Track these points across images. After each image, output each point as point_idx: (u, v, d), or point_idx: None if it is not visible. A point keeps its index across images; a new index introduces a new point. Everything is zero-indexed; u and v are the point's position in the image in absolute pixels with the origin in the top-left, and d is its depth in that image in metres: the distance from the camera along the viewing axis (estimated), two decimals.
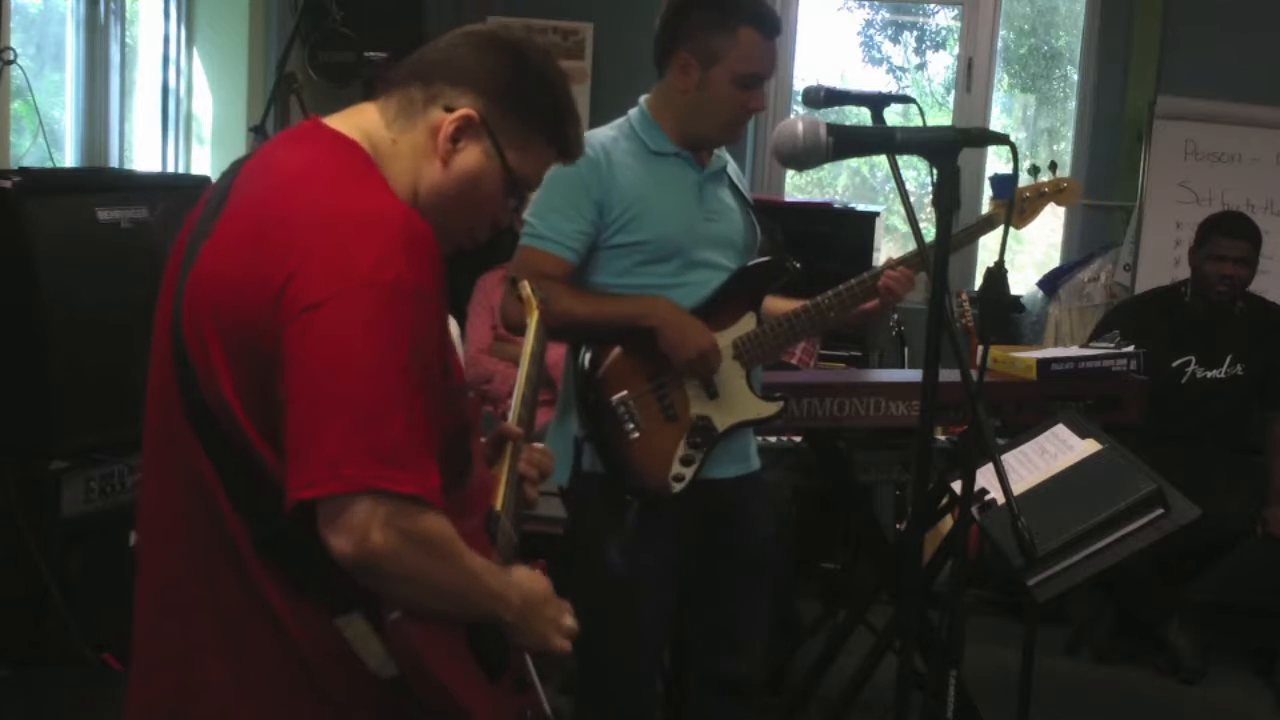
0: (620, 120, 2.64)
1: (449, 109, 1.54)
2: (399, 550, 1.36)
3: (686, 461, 2.55)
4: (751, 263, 2.69)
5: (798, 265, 2.67)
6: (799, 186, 5.86)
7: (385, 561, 1.36)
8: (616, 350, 2.55)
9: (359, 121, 1.56)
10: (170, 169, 4.59)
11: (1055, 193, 2.82)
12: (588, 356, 2.55)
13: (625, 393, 2.54)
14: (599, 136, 2.57)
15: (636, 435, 2.53)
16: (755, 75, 2.53)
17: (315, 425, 1.35)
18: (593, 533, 2.54)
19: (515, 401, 1.92)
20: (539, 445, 1.92)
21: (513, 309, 2.40)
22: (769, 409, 2.65)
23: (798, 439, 3.46)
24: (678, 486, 2.54)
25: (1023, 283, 5.37)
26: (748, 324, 2.64)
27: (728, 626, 2.76)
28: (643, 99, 2.65)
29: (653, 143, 2.59)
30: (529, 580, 1.60)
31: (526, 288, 2.16)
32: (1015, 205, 2.80)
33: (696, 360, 2.52)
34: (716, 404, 2.59)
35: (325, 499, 1.34)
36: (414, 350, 1.39)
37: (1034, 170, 2.84)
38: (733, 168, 2.75)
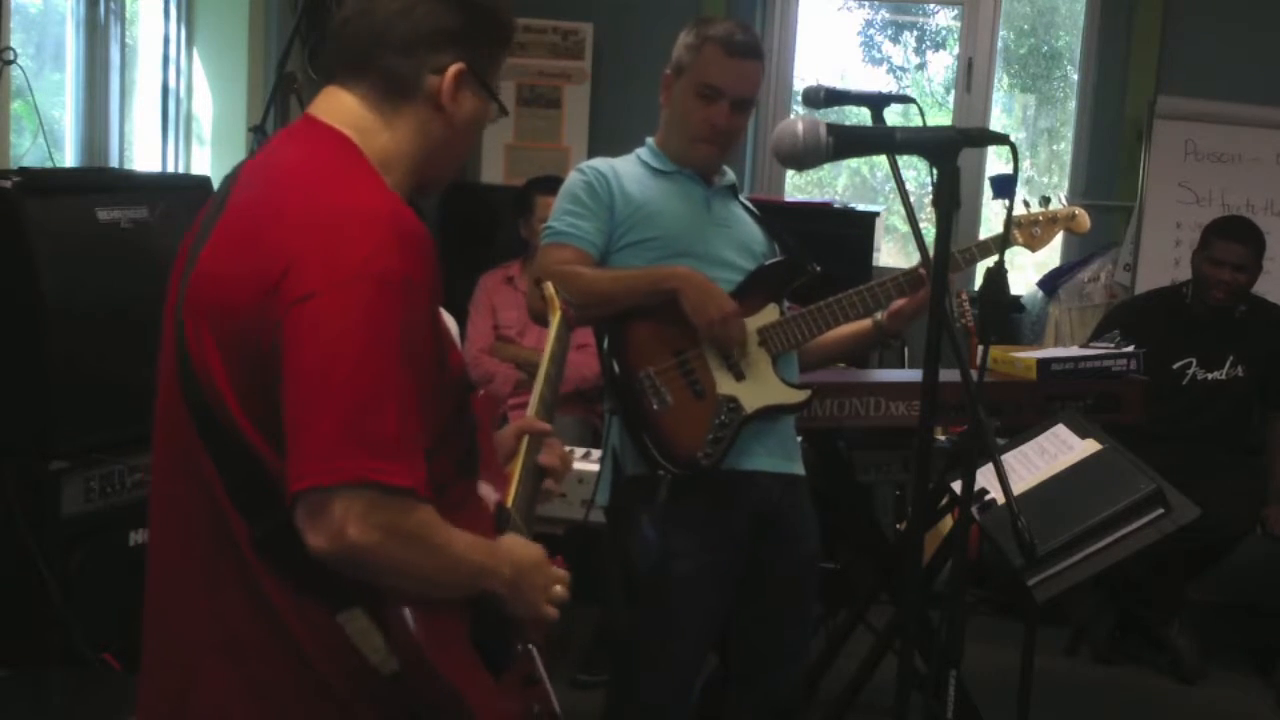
0: (627, 154, 2.77)
1: (438, 71, 1.57)
2: (377, 545, 1.37)
3: (716, 440, 2.56)
4: (770, 261, 2.74)
5: (818, 268, 2.72)
6: (799, 186, 5.86)
7: (364, 555, 1.37)
8: (638, 325, 2.59)
9: (341, 116, 1.57)
10: (170, 169, 4.59)
11: (1067, 220, 2.95)
12: (610, 333, 2.59)
13: (650, 367, 2.56)
14: (606, 160, 2.71)
15: (664, 408, 2.55)
16: (712, 87, 2.62)
17: (308, 418, 1.36)
18: (632, 531, 2.58)
19: (533, 400, 1.91)
20: (555, 441, 1.91)
21: (538, 302, 2.45)
22: (797, 396, 2.67)
23: (797, 439, 3.46)
24: (706, 462, 2.54)
25: (1023, 283, 5.37)
26: (770, 314, 2.68)
27: (769, 645, 2.77)
28: (649, 138, 2.78)
29: (657, 163, 2.71)
30: (519, 548, 1.60)
31: (550, 288, 2.16)
32: (1028, 230, 2.92)
33: (718, 322, 2.55)
34: (744, 386, 2.61)
35: (313, 491, 1.35)
36: (405, 342, 1.40)
37: (1045, 200, 2.99)
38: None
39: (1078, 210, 2.98)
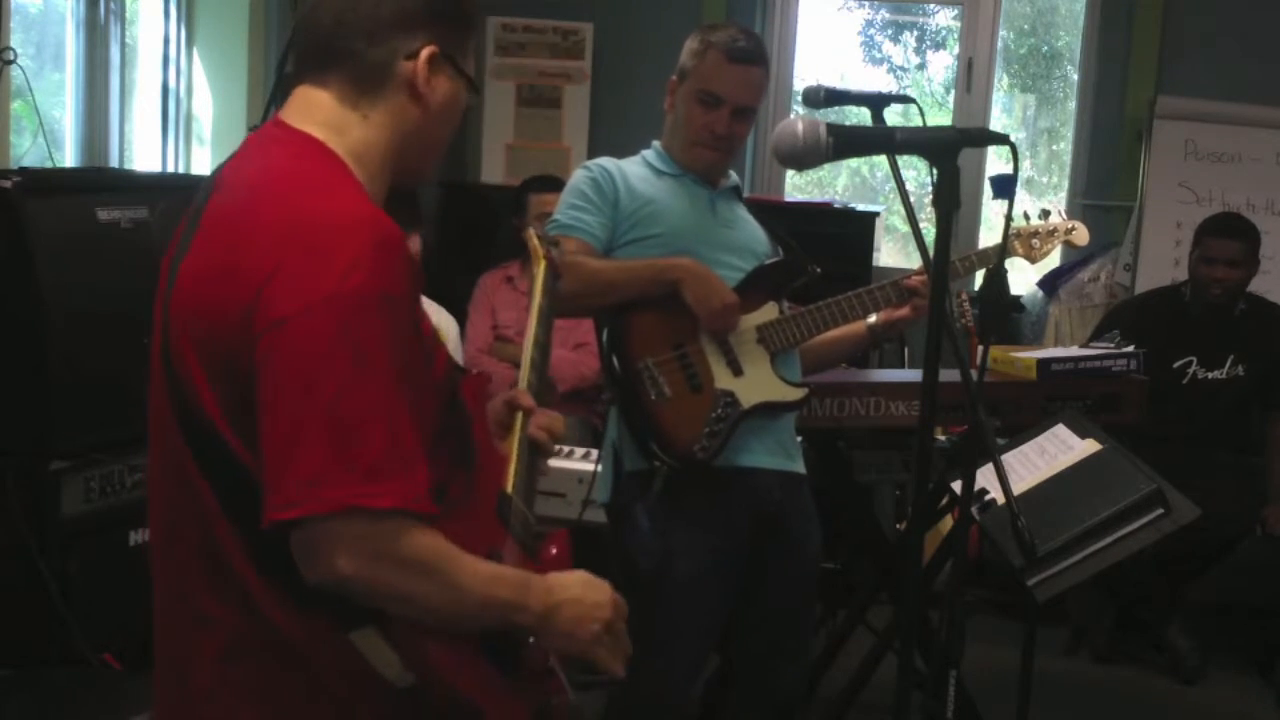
0: (632, 156, 2.79)
1: (410, 56, 1.53)
2: (370, 574, 1.34)
3: (712, 434, 2.56)
4: (769, 261, 2.75)
5: (818, 269, 2.72)
6: (799, 186, 5.86)
7: (356, 585, 1.35)
8: (638, 316, 2.60)
9: (316, 116, 1.53)
10: (170, 169, 4.60)
11: (1066, 233, 2.98)
12: (610, 324, 2.60)
13: (649, 358, 2.57)
14: (612, 160, 2.73)
15: (661, 399, 2.56)
16: (713, 93, 2.64)
17: (290, 444, 1.33)
18: (632, 528, 2.58)
19: (524, 365, 1.85)
20: (549, 411, 1.85)
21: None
22: (795, 393, 2.68)
23: (798, 439, 3.46)
24: (702, 455, 2.55)
25: (1023, 283, 5.37)
26: (770, 312, 2.69)
27: (770, 644, 2.77)
28: (655, 141, 2.80)
29: (662, 165, 2.73)
30: (563, 587, 1.51)
31: (533, 238, 2.09)
32: (1028, 241, 2.93)
33: (719, 311, 2.56)
34: (742, 381, 2.62)
35: (303, 520, 1.33)
36: (387, 357, 1.36)
37: (1044, 214, 2.99)
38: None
39: (1077, 224, 2.99)
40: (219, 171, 1.57)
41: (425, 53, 1.53)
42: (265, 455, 1.35)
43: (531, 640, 1.55)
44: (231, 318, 1.38)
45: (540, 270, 2.00)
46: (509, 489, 1.66)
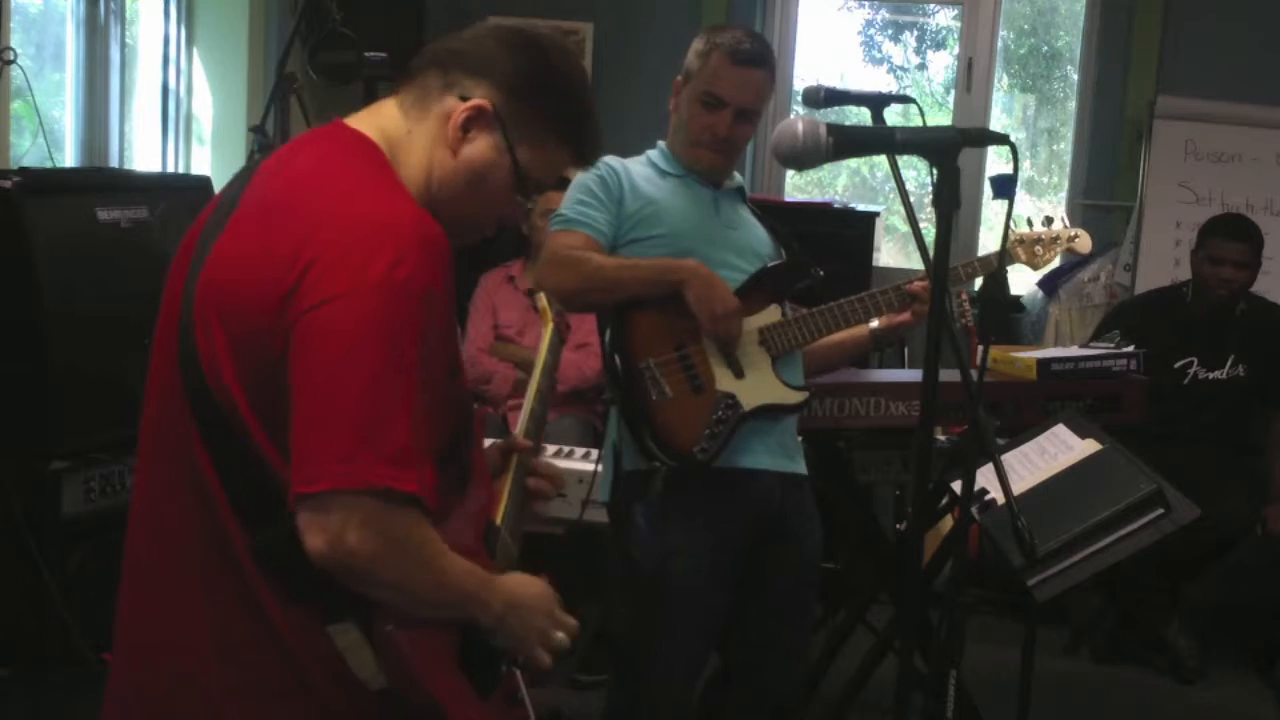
0: (637, 155, 2.79)
1: (463, 97, 1.54)
2: (374, 552, 1.36)
3: (713, 436, 2.56)
4: (772, 263, 2.75)
5: (820, 272, 2.73)
6: (799, 186, 5.86)
7: (360, 562, 1.36)
8: (641, 316, 2.60)
9: (378, 119, 1.57)
10: (170, 169, 4.60)
11: (1069, 241, 2.98)
12: (613, 324, 2.60)
13: (651, 359, 2.57)
14: (617, 158, 2.73)
15: (662, 400, 2.56)
16: (715, 95, 2.64)
17: (321, 422, 1.35)
18: (630, 528, 2.59)
19: (524, 414, 1.91)
20: (546, 461, 1.92)
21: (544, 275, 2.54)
22: (795, 396, 2.68)
23: (799, 439, 3.46)
24: (702, 456, 2.55)
25: (1023, 283, 5.36)
26: (772, 314, 2.69)
27: (769, 644, 2.77)
28: (660, 141, 2.81)
29: (666, 165, 2.74)
30: (522, 588, 1.58)
31: (543, 299, 2.17)
32: (1030, 248, 2.94)
33: (721, 317, 2.56)
34: (743, 384, 2.62)
35: (323, 494, 1.34)
36: (421, 352, 1.39)
37: (1048, 220, 2.99)
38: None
39: (1080, 231, 2.99)
40: (257, 162, 1.59)
41: (475, 102, 1.54)
42: (295, 431, 1.36)
43: (507, 666, 1.59)
44: (268, 301, 1.39)
45: (548, 330, 2.08)
46: (498, 521, 1.70)
